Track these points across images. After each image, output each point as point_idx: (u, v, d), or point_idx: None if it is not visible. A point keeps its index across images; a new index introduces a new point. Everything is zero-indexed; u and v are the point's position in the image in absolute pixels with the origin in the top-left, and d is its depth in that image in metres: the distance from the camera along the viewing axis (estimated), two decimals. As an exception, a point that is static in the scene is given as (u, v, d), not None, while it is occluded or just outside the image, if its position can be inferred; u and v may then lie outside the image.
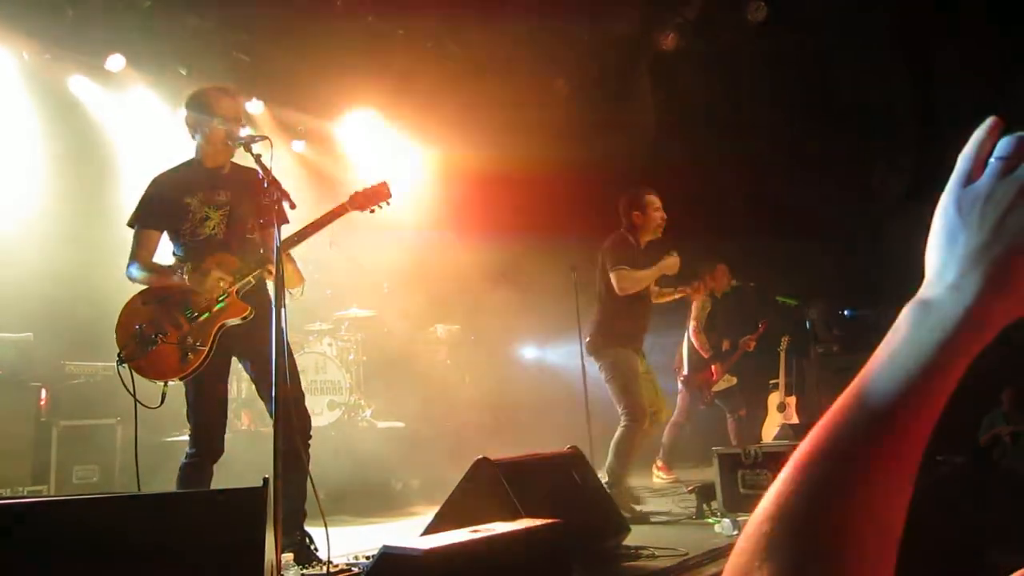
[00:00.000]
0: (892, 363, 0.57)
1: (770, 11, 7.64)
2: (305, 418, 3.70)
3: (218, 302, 3.48)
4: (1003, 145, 0.61)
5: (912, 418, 0.56)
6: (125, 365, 3.41)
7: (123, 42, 6.63)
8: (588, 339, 5.38)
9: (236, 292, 3.52)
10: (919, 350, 0.57)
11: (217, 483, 3.63)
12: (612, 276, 5.08)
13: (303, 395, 3.77)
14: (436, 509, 3.28)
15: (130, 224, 3.69)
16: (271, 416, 3.41)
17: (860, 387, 0.59)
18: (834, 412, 0.59)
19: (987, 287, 0.56)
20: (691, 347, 7.30)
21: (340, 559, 3.40)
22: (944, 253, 0.60)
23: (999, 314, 0.57)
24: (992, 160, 0.60)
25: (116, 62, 6.61)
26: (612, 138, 9.23)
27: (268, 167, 3.17)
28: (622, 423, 5.01)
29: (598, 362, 5.25)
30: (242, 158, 3.57)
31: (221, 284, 3.45)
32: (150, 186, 3.71)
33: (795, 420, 7.55)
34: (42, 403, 5.63)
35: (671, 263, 5.16)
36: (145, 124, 7.03)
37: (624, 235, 5.32)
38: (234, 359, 3.76)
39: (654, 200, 5.38)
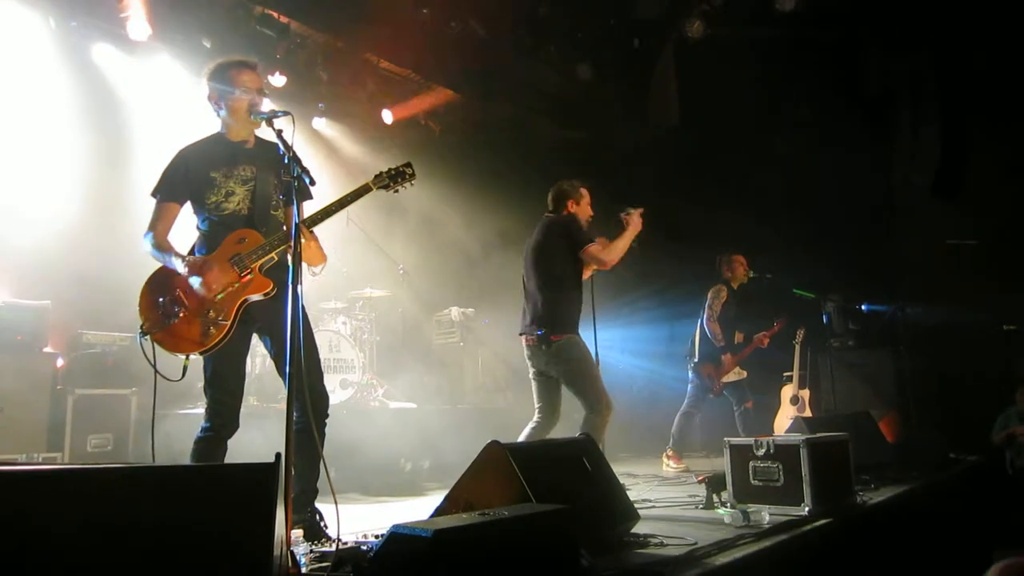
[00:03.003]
0: None
1: (799, 1, 7.53)
2: (323, 398, 3.69)
3: (237, 281, 3.49)
4: None
5: None
6: (147, 337, 3.41)
7: (148, 11, 6.63)
8: (542, 329, 4.89)
9: (259, 267, 3.52)
10: None
11: (228, 459, 3.64)
12: (589, 253, 4.88)
13: (321, 374, 3.76)
14: (445, 491, 3.28)
15: (152, 194, 3.69)
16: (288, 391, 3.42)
17: None
18: None
19: None
20: (703, 336, 7.26)
21: (349, 536, 3.42)
22: None
23: None
24: None
25: (140, 30, 6.61)
26: (635, 124, 9.17)
27: (290, 143, 3.15)
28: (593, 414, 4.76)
29: (553, 351, 4.85)
30: (266, 132, 3.57)
31: (221, 283, 3.45)
32: (175, 157, 3.70)
33: (808, 413, 7.51)
34: (58, 371, 5.69)
35: (635, 221, 4.95)
36: (168, 94, 7.04)
37: (573, 217, 5.20)
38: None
39: (585, 193, 5.27)
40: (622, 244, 4.92)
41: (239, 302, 3.46)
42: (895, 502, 4.74)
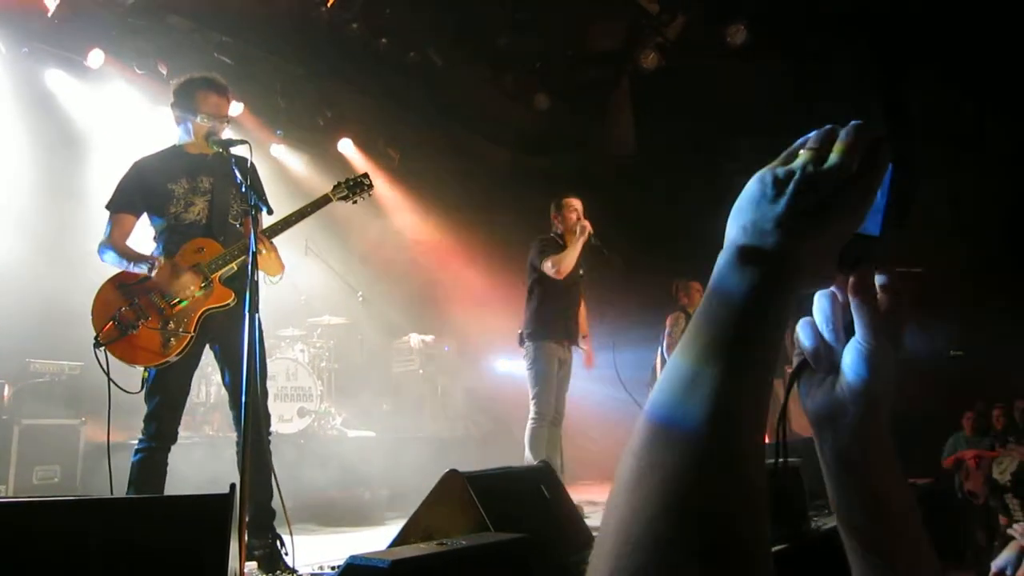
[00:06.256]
0: None
1: (749, 34, 7.73)
2: (266, 416, 3.65)
3: (201, 288, 3.45)
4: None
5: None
6: (102, 348, 3.33)
7: (103, 38, 6.57)
8: (520, 332, 5.67)
9: (219, 278, 3.50)
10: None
11: (177, 488, 3.58)
12: (545, 270, 5.50)
13: (267, 394, 3.72)
14: (403, 520, 3.26)
15: (107, 206, 3.65)
16: (231, 407, 3.39)
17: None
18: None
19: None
20: (664, 364, 7.32)
21: (305, 568, 3.37)
22: None
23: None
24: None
25: (96, 58, 6.55)
26: (591, 153, 9.29)
27: (247, 171, 3.15)
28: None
29: (525, 352, 5.60)
30: None
31: (191, 288, 3.42)
32: (131, 169, 3.68)
33: (765, 438, 7.59)
34: (4, 400, 5.54)
35: (581, 228, 5.51)
36: (122, 120, 6.95)
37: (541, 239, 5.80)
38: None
39: (572, 203, 5.82)
40: (571, 254, 5.50)
41: (200, 312, 3.43)
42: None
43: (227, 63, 7.18)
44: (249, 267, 2.96)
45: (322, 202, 3.70)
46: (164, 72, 6.87)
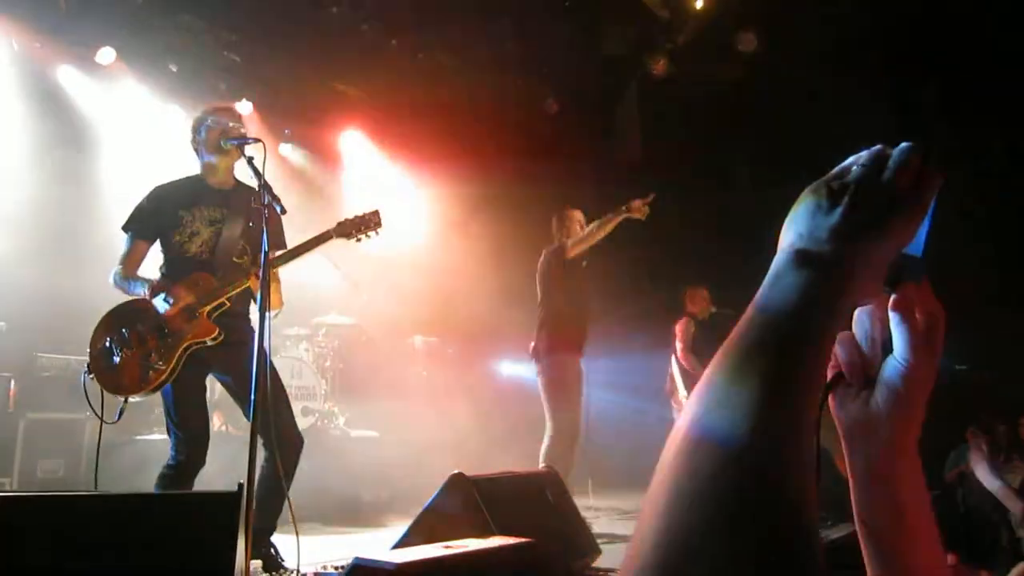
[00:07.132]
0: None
1: (759, 42, 7.73)
2: (297, 441, 3.65)
3: (187, 321, 3.43)
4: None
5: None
6: (92, 376, 3.38)
7: (115, 35, 6.59)
8: (533, 344, 5.39)
9: (207, 313, 3.47)
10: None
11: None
12: (572, 247, 5.35)
13: (293, 418, 3.72)
14: (406, 522, 3.27)
15: (123, 228, 3.67)
16: (261, 434, 3.38)
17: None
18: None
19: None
20: (683, 370, 7.23)
21: (308, 568, 3.38)
22: None
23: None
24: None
25: (106, 55, 6.57)
26: (600, 157, 9.30)
27: (261, 171, 3.16)
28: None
29: (539, 365, 5.31)
30: (243, 176, 3.58)
31: (177, 321, 3.40)
32: (149, 194, 3.68)
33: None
34: (11, 394, 5.55)
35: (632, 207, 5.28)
36: (132, 118, 6.97)
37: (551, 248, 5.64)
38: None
39: (575, 215, 5.72)
40: (600, 231, 5.30)
41: (182, 347, 3.41)
42: (853, 539, 4.81)
43: (236, 61, 7.20)
44: (262, 267, 2.96)
45: (323, 239, 3.59)
46: (175, 70, 6.89)
